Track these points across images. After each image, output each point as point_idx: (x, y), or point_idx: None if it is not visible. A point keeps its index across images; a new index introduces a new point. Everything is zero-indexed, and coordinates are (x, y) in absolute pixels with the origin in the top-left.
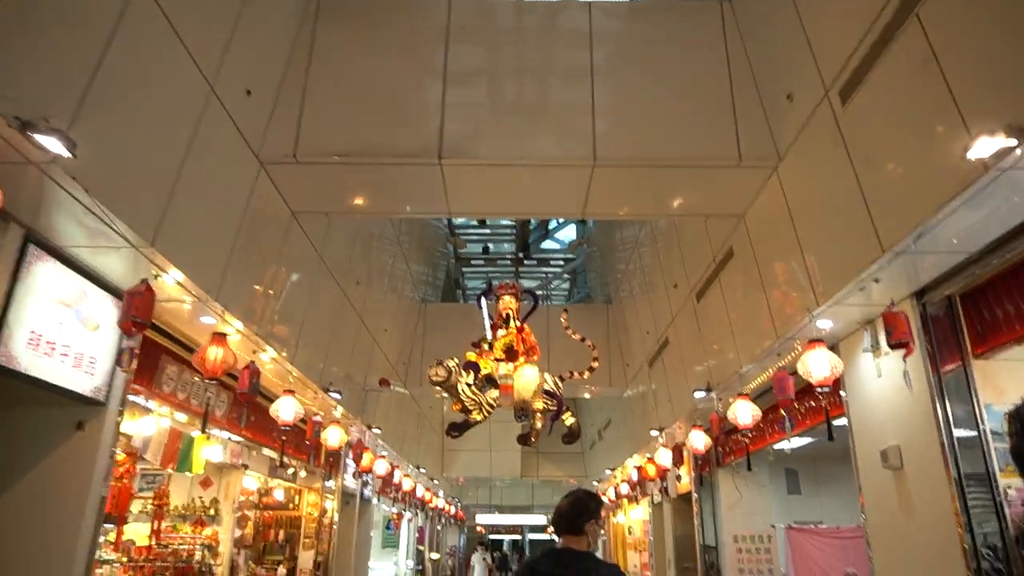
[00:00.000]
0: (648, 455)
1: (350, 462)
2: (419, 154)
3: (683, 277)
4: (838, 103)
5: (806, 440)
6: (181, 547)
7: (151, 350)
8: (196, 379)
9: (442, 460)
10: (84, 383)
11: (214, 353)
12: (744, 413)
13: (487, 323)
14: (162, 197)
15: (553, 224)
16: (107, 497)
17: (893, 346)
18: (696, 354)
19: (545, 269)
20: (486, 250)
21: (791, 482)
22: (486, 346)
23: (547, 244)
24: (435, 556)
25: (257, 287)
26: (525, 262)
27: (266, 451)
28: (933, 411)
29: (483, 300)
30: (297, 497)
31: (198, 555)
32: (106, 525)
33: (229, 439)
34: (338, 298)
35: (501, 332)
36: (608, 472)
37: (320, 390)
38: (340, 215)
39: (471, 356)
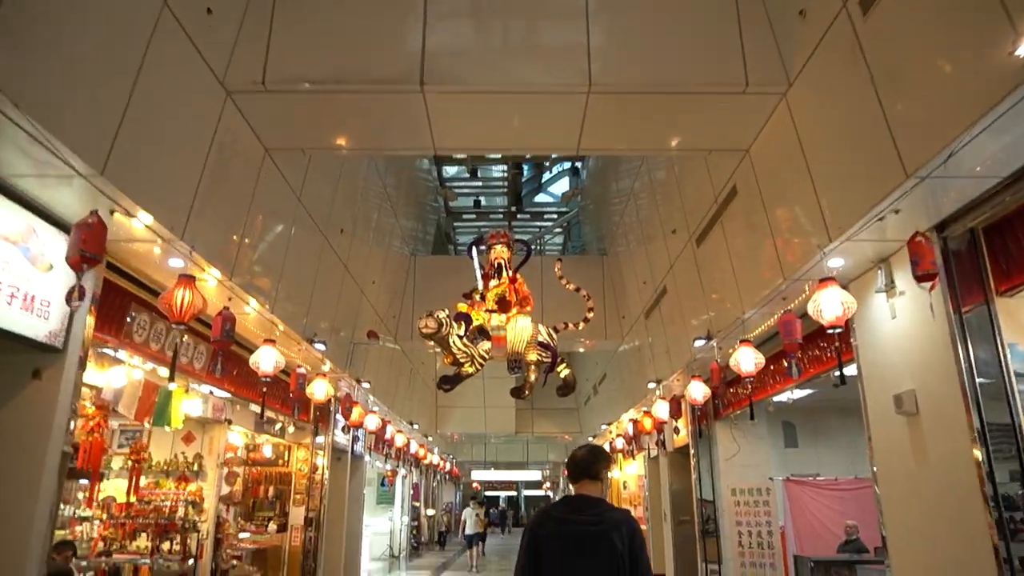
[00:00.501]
0: (644, 409)
1: (340, 418)
2: (399, 80)
3: (682, 222)
4: (858, 14)
5: (805, 392)
6: (164, 503)
7: (119, 297)
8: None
9: (436, 416)
10: (38, 328)
11: (181, 296)
12: (747, 360)
13: (478, 273)
14: (111, 122)
15: (546, 177)
16: (73, 451)
17: (920, 277)
18: (696, 302)
19: (538, 223)
20: (478, 204)
21: (788, 435)
22: (478, 297)
23: (540, 198)
24: (431, 512)
25: (229, 229)
26: (518, 216)
27: (253, 406)
28: (954, 352)
29: (474, 250)
30: (287, 453)
31: (181, 511)
32: (81, 481)
33: (211, 393)
34: (320, 245)
35: (493, 282)
36: (604, 427)
37: (304, 341)
38: (319, 154)
39: (462, 307)
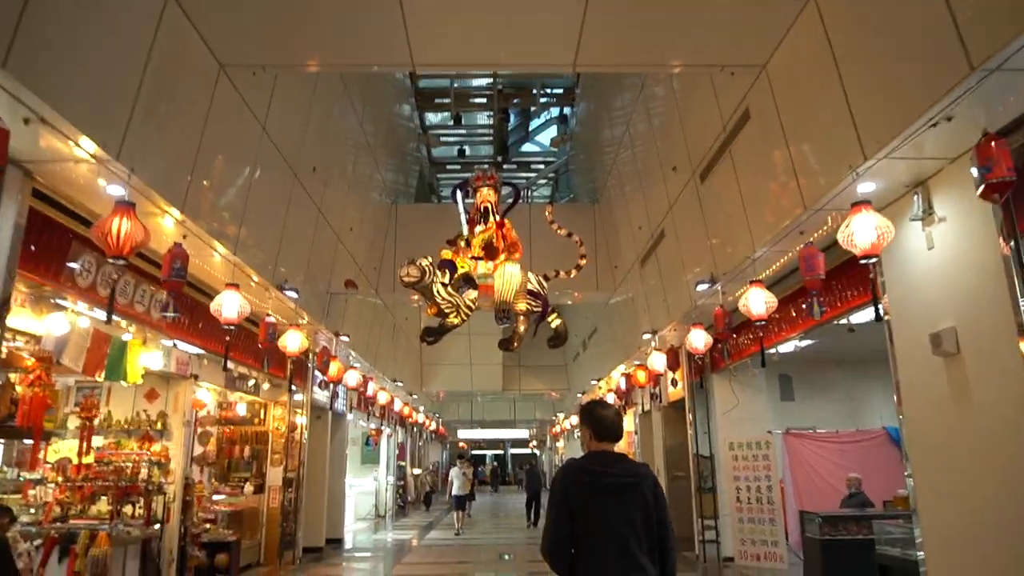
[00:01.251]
0: (638, 362)
1: (319, 374)
2: None
3: (684, 157)
4: None
5: (805, 342)
6: (125, 464)
7: (56, 234)
8: (126, 276)
9: (421, 374)
10: None
11: (117, 225)
12: (757, 302)
13: (463, 219)
14: (13, 5)
15: (534, 124)
16: (12, 407)
17: (990, 188)
18: (698, 244)
19: (525, 174)
20: (462, 153)
21: (785, 388)
22: (463, 243)
23: (527, 147)
24: (417, 472)
25: (179, 155)
26: (504, 166)
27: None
28: (1007, 282)
29: (458, 194)
30: (262, 411)
31: (144, 472)
32: (26, 442)
33: (174, 346)
34: (290, 184)
35: (479, 228)
36: (593, 383)
37: (273, 288)
38: (286, 80)
39: (446, 254)
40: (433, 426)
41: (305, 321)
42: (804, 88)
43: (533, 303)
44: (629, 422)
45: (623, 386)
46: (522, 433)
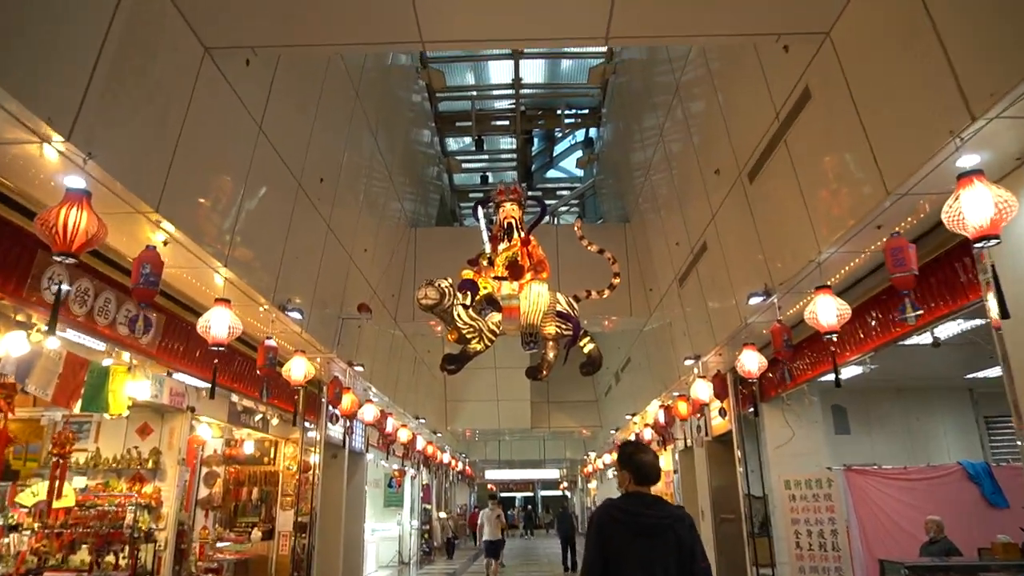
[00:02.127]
0: (677, 393)
1: (333, 409)
2: None
3: (728, 157)
4: None
5: (857, 370)
6: (110, 508)
7: (18, 239)
8: (107, 293)
9: (445, 412)
10: None
11: (66, 216)
12: (827, 311)
13: (485, 236)
14: None
15: (558, 149)
16: None
17: None
18: (747, 253)
19: (550, 201)
20: (484, 180)
21: (838, 420)
22: (485, 262)
23: (552, 174)
24: (443, 515)
25: (151, 143)
26: (529, 193)
27: (232, 395)
28: None
29: (480, 210)
30: (272, 450)
31: (130, 517)
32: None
33: (169, 375)
34: (292, 193)
35: (503, 245)
36: (628, 418)
37: (273, 308)
38: (286, 76)
39: (467, 274)
40: (460, 467)
41: (314, 348)
42: (882, 50)
43: (563, 326)
44: (667, 460)
45: (662, 419)
46: (552, 473)
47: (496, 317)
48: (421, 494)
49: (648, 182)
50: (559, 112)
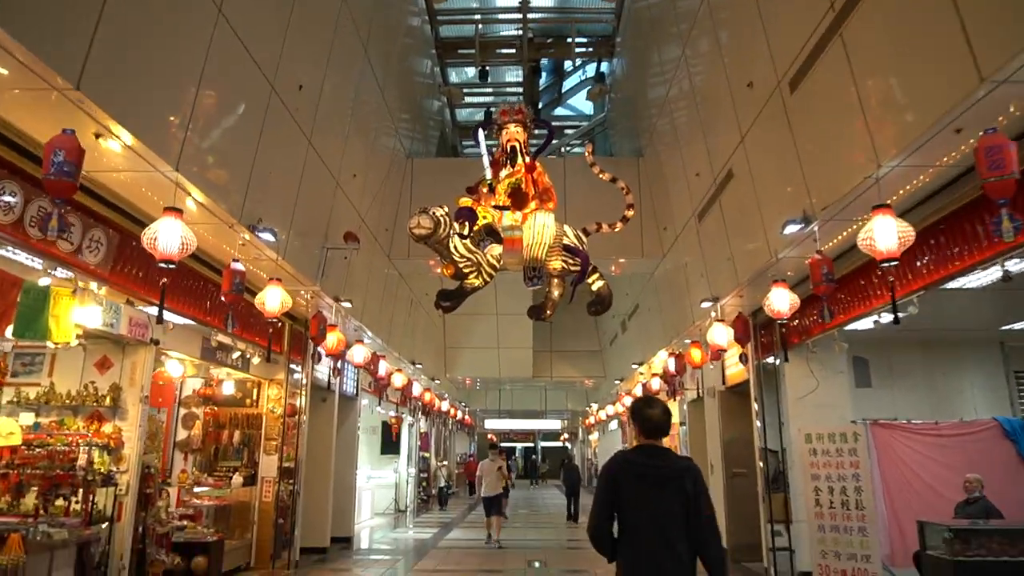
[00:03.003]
0: (689, 340)
1: (321, 350)
2: None
3: (765, 66)
4: None
5: (884, 319)
6: (60, 447)
7: None
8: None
9: (444, 358)
10: None
11: None
12: (887, 234)
13: (486, 161)
14: None
15: (567, 85)
16: None
17: None
18: (782, 176)
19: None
20: (488, 115)
21: (859, 373)
22: (485, 189)
23: (560, 111)
24: (435, 463)
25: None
26: (535, 131)
27: (199, 325)
28: None
29: (481, 133)
30: (256, 391)
31: (83, 458)
32: None
33: (130, 303)
34: (264, 96)
35: (505, 171)
36: (635, 367)
37: (242, 227)
38: None
39: (465, 202)
40: (459, 416)
41: (293, 279)
42: None
43: (570, 261)
44: (674, 412)
45: (672, 368)
46: (553, 424)
47: (496, 250)
48: (419, 442)
49: (667, 109)
50: (569, 40)
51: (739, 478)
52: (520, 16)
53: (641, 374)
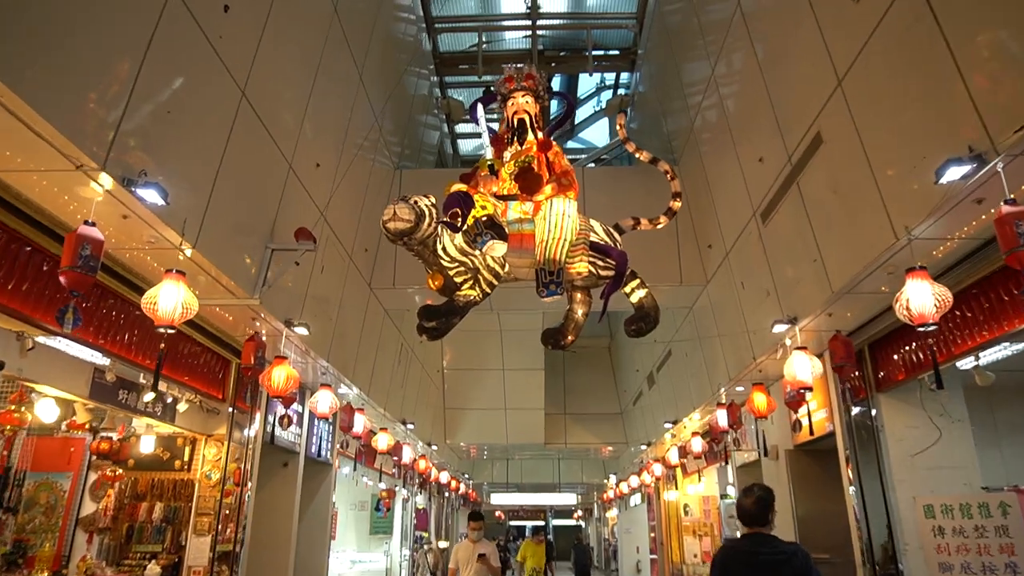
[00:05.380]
0: (753, 382)
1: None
2: None
3: None
4: None
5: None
6: None
7: None
8: None
9: (444, 422)
10: None
11: None
12: None
13: (486, 138)
14: None
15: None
16: None
17: None
18: (916, 106)
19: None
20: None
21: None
22: (485, 173)
23: (571, 144)
24: (443, 544)
25: None
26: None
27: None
28: None
29: (480, 109)
30: (188, 450)
31: None
32: None
33: None
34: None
35: (511, 152)
36: (667, 427)
37: (101, 173)
38: None
39: (459, 188)
40: (461, 488)
41: (213, 281)
42: None
43: (599, 263)
44: (711, 482)
45: (723, 422)
46: (568, 498)
47: (499, 249)
48: (415, 520)
49: (713, 94)
50: (586, 53)
51: (825, 567)
52: (529, 23)
53: (670, 436)
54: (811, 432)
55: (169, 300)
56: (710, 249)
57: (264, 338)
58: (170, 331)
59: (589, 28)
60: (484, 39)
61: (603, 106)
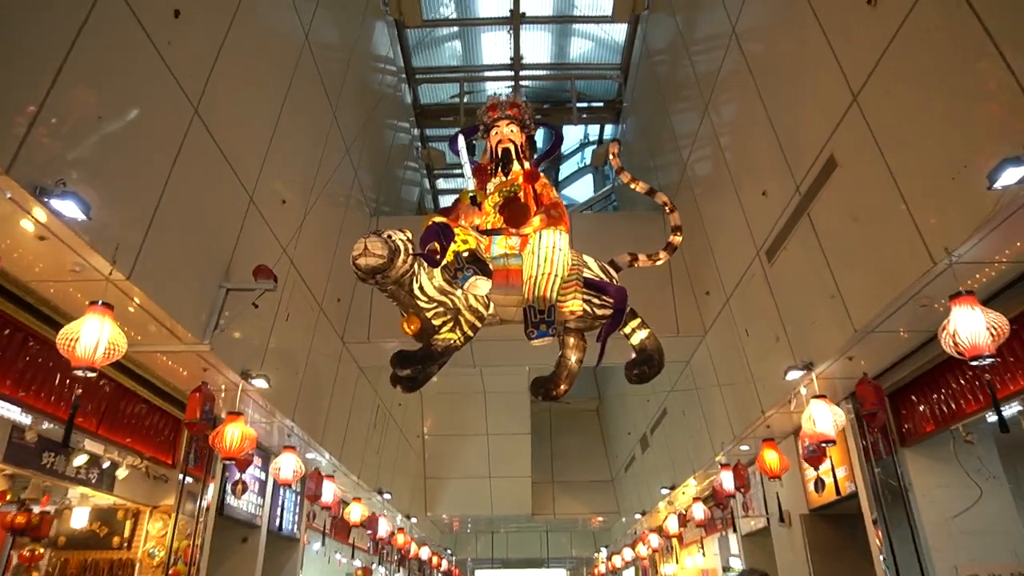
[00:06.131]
0: (747, 447)
1: (242, 469)
2: None
3: None
4: None
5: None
6: None
7: None
8: None
9: (425, 492)
10: None
11: None
12: None
13: (468, 170)
14: None
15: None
16: None
17: None
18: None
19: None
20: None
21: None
22: (467, 204)
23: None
24: None
25: None
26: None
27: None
28: None
29: (461, 141)
30: (129, 524)
31: None
32: None
33: None
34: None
35: (495, 183)
36: (664, 492)
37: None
38: None
39: (438, 219)
40: (444, 566)
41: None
42: None
43: (596, 300)
44: (711, 555)
45: (728, 486)
46: (556, 574)
47: (482, 286)
48: None
49: (708, 131)
50: (569, 105)
51: None
52: (511, 73)
53: (670, 503)
54: (837, 491)
55: (91, 336)
56: (708, 296)
57: (222, 393)
58: (90, 374)
59: (573, 79)
60: (466, 89)
61: (587, 162)
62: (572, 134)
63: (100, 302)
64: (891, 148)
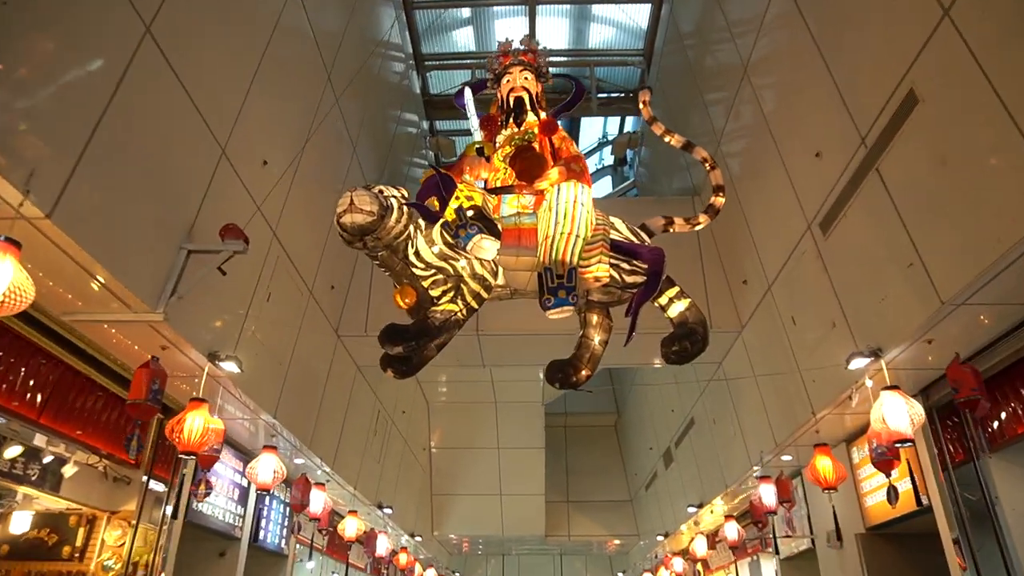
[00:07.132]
0: (785, 457)
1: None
2: None
3: None
4: None
5: None
6: None
7: None
8: None
9: (431, 510)
10: None
11: None
12: None
13: (475, 122)
14: None
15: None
16: None
17: None
18: None
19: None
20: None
21: None
22: (473, 153)
23: None
24: None
25: None
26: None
27: None
28: None
29: (468, 93)
30: (82, 533)
31: None
32: None
33: None
34: None
35: (505, 134)
36: (691, 511)
37: None
38: None
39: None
40: None
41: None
42: None
43: (625, 265)
44: None
45: (769, 500)
46: None
47: (488, 248)
48: None
49: (747, 90)
50: (588, 95)
51: None
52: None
53: (689, 525)
54: (918, 502)
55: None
56: (745, 285)
57: (188, 378)
58: None
59: (592, 65)
60: (477, 78)
61: (605, 163)
62: (590, 132)
63: (2, 237)
64: (994, 68)
